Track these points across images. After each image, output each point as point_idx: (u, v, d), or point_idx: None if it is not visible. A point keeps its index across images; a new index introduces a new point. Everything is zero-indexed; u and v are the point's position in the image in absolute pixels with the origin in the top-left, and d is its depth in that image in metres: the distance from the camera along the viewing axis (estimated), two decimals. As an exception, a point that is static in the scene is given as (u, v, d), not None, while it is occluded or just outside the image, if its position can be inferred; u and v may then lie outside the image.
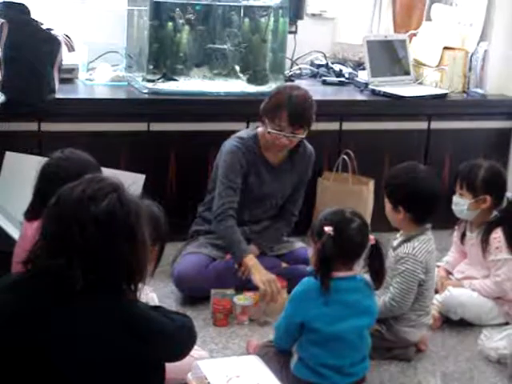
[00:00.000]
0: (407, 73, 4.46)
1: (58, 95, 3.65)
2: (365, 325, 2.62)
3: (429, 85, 4.43)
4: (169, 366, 2.03)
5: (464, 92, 4.43)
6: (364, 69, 4.42)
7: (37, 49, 3.52)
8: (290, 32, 4.32)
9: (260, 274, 3.22)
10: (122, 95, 3.92)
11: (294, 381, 2.60)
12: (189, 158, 3.84)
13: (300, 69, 4.61)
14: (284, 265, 3.47)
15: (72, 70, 3.99)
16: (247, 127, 3.74)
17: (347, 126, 4.11)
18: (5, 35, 3.49)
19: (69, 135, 3.59)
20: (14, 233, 3.10)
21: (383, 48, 4.42)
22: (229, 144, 3.41)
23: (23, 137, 3.59)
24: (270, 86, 3.98)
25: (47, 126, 3.64)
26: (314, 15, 4.77)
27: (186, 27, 4.00)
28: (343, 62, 4.73)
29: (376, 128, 4.14)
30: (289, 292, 3.02)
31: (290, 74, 4.46)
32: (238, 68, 4.13)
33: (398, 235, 3.00)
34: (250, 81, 4.11)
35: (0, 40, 3.50)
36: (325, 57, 4.71)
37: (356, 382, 2.62)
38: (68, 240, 1.80)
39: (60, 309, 1.81)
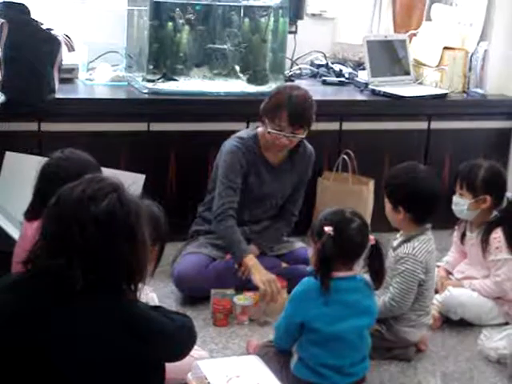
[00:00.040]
0: (407, 73, 4.46)
1: (58, 95, 3.65)
2: (365, 325, 2.62)
3: (429, 85, 4.43)
4: (169, 365, 2.03)
5: (464, 92, 4.43)
6: (364, 69, 4.42)
7: (37, 49, 3.52)
8: (290, 32, 4.32)
9: (260, 274, 3.22)
10: (122, 95, 3.92)
11: (294, 381, 2.60)
12: (189, 158, 3.84)
13: (300, 69, 4.61)
14: (284, 265, 3.47)
15: (72, 70, 3.99)
16: (247, 127, 3.74)
17: (347, 125, 4.11)
18: (5, 35, 3.49)
19: (69, 135, 3.59)
20: (14, 233, 3.10)
21: (383, 48, 4.42)
22: (229, 144, 3.41)
23: (23, 137, 3.59)
24: (270, 86, 3.98)
25: (47, 126, 3.64)
26: (314, 15, 4.77)
27: (186, 27, 4.00)
28: (343, 62, 4.73)
29: (376, 128, 4.14)
30: (289, 292, 3.02)
31: (290, 74, 4.46)
32: (238, 68, 4.13)
33: (398, 235, 3.00)
34: (249, 81, 4.11)
35: (0, 40, 3.50)
36: (325, 57, 4.71)
37: (356, 381, 2.62)
38: (68, 240, 1.81)
39: (60, 309, 1.81)
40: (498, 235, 3.24)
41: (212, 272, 3.34)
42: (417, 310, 2.93)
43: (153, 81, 3.92)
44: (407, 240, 2.92)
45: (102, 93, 3.95)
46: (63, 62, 3.73)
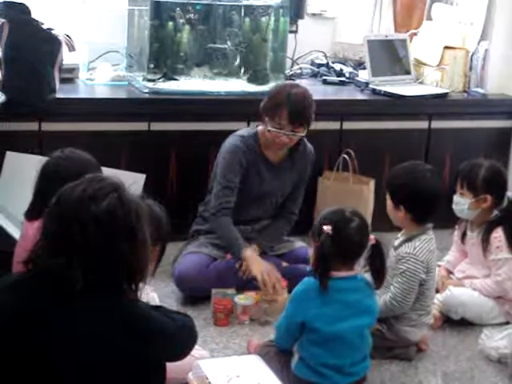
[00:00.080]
0: (408, 72, 4.45)
1: (59, 95, 3.66)
2: (365, 324, 2.62)
3: (429, 84, 4.43)
4: (170, 365, 2.03)
5: (465, 91, 4.42)
6: (364, 68, 4.42)
7: (37, 49, 3.52)
8: (291, 31, 4.32)
9: (258, 265, 3.24)
10: (122, 95, 3.92)
11: (294, 380, 2.60)
12: (189, 158, 3.84)
13: (300, 68, 4.61)
14: (285, 264, 3.47)
15: (72, 70, 3.99)
16: (248, 127, 3.74)
17: (348, 125, 4.11)
18: (5, 35, 3.49)
19: (69, 135, 3.59)
20: (15, 232, 3.10)
21: (384, 47, 4.42)
22: (229, 143, 3.41)
23: (24, 137, 3.59)
24: (270, 86, 3.97)
25: (48, 126, 3.64)
26: (314, 15, 4.77)
27: (187, 27, 4.01)
28: (344, 62, 4.73)
29: (376, 127, 4.14)
30: (289, 292, 3.02)
31: (290, 73, 4.46)
32: (238, 67, 4.13)
33: (399, 235, 3.00)
34: (250, 80, 4.11)
35: (0, 40, 3.50)
36: (325, 56, 4.71)
37: (357, 381, 2.62)
38: (68, 239, 1.81)
39: (60, 309, 1.81)
40: (498, 234, 3.24)
41: (213, 272, 3.34)
42: (418, 309, 2.93)
43: (153, 80, 3.92)
44: (408, 239, 2.92)
45: (102, 92, 3.96)
46: (64, 62, 3.73)
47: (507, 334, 3.01)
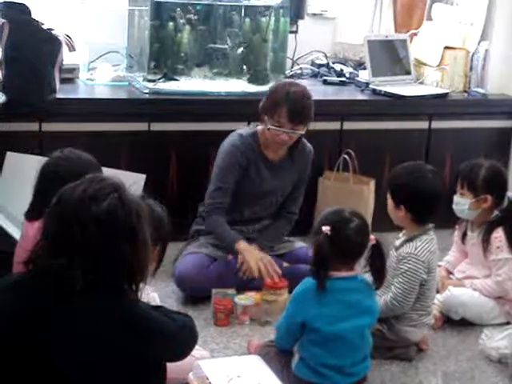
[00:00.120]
0: (408, 72, 4.46)
1: (59, 95, 3.66)
2: (366, 324, 2.62)
3: (430, 84, 4.43)
4: (170, 365, 2.04)
5: (465, 91, 4.43)
6: (365, 68, 4.43)
7: (37, 49, 3.52)
8: (291, 32, 4.32)
9: (253, 255, 3.26)
10: (122, 95, 3.93)
11: (295, 381, 2.60)
12: (189, 158, 3.84)
13: (301, 68, 4.61)
14: (285, 264, 3.47)
15: (73, 70, 3.99)
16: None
17: (348, 125, 4.11)
18: (5, 35, 3.49)
19: (70, 135, 3.59)
20: (15, 233, 3.10)
21: (384, 48, 4.42)
22: (227, 143, 3.41)
23: (24, 137, 3.59)
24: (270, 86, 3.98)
25: (48, 126, 3.64)
26: (314, 15, 4.78)
27: (187, 27, 4.01)
28: (344, 62, 4.74)
29: (377, 128, 4.14)
30: (290, 292, 3.02)
31: (290, 73, 4.46)
32: (238, 68, 4.13)
33: (400, 235, 3.00)
34: (250, 80, 4.11)
35: (1, 40, 3.51)
36: (326, 56, 4.72)
37: (357, 381, 2.62)
38: (69, 240, 1.81)
39: (60, 309, 1.81)
40: (499, 235, 3.24)
41: (213, 272, 3.34)
42: (418, 309, 2.93)
43: (153, 81, 3.92)
44: (409, 240, 2.92)
45: (102, 93, 3.96)
46: (64, 62, 3.73)
47: (507, 335, 3.00)
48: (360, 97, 4.26)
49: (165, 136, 3.83)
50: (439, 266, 3.36)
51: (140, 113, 3.78)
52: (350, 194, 3.86)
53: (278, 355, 2.68)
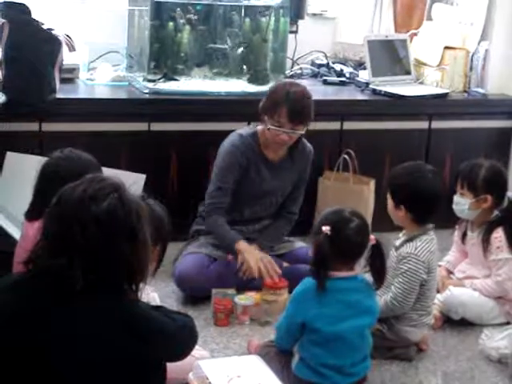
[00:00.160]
0: (408, 72, 4.46)
1: (59, 95, 3.66)
2: (366, 324, 2.62)
3: (430, 84, 4.43)
4: (170, 365, 2.04)
5: (465, 91, 4.43)
6: (365, 68, 4.43)
7: (37, 49, 3.52)
8: (291, 32, 4.32)
9: (252, 255, 3.26)
10: (122, 95, 3.93)
11: (295, 381, 2.60)
12: (189, 158, 3.84)
13: (301, 68, 4.61)
14: (285, 264, 3.47)
15: (73, 70, 3.99)
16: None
17: (348, 125, 4.11)
18: (5, 35, 3.49)
19: (70, 135, 3.59)
20: (15, 233, 3.10)
21: (384, 48, 4.42)
22: (227, 143, 3.41)
23: (24, 137, 3.59)
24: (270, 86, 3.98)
25: (48, 126, 3.64)
26: (314, 15, 4.78)
27: (187, 27, 4.01)
28: (344, 62, 4.74)
29: (377, 128, 4.14)
30: (290, 292, 3.02)
31: (290, 73, 4.46)
32: (238, 68, 4.13)
33: (400, 235, 3.00)
34: (250, 81, 4.11)
35: (1, 40, 3.51)
36: (326, 56, 4.72)
37: (357, 381, 2.62)
38: (69, 240, 1.81)
39: (60, 309, 1.81)
40: (499, 235, 3.24)
41: (213, 272, 3.34)
42: (418, 309, 2.93)
43: (153, 81, 3.92)
44: (410, 240, 2.92)
45: (102, 93, 3.96)
46: (64, 62, 3.73)
47: (507, 335, 3.00)
48: (360, 97, 4.26)
49: (165, 136, 3.83)
50: (439, 265, 3.36)
51: (140, 113, 3.78)
52: (350, 194, 3.86)
53: (278, 355, 2.68)
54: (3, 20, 3.51)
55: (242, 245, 3.32)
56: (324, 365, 2.54)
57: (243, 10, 4.11)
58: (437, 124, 4.25)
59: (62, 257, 1.80)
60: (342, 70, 4.57)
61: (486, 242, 3.26)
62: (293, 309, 2.60)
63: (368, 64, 4.31)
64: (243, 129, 3.52)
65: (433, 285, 2.96)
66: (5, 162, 3.47)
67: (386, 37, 4.55)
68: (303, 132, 3.35)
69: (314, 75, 4.58)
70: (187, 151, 3.84)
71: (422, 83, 4.45)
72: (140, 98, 3.85)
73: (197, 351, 2.47)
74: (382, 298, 2.88)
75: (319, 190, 4.01)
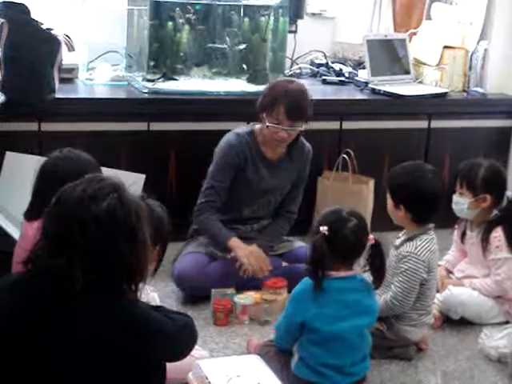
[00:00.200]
0: (407, 72, 4.46)
1: (58, 95, 3.66)
2: (365, 324, 2.62)
3: (429, 84, 4.43)
4: (169, 365, 2.04)
5: (464, 91, 4.43)
6: (364, 68, 4.43)
7: (37, 49, 3.52)
8: (290, 31, 4.32)
9: (243, 251, 3.28)
10: (122, 95, 3.92)
11: (294, 380, 2.60)
12: (189, 158, 3.84)
13: (300, 68, 4.61)
14: (284, 264, 3.47)
15: (72, 70, 3.99)
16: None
17: (347, 125, 4.11)
18: (5, 35, 3.49)
19: (69, 135, 3.59)
20: (15, 233, 3.10)
21: (383, 47, 4.42)
22: (224, 142, 3.42)
23: (23, 137, 3.59)
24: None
25: (47, 126, 3.64)
26: (314, 14, 4.78)
27: (186, 27, 4.01)
28: (343, 62, 4.74)
29: (376, 127, 4.15)
30: (289, 291, 3.02)
31: (290, 73, 4.46)
32: (237, 67, 4.13)
33: (400, 234, 3.00)
34: (250, 80, 4.11)
35: (0, 40, 3.50)
36: (325, 56, 4.72)
37: (357, 381, 2.62)
38: (69, 240, 1.81)
39: (60, 309, 1.81)
40: (498, 234, 3.24)
41: (212, 271, 3.34)
42: (418, 309, 2.93)
43: (153, 80, 3.92)
44: (410, 239, 2.92)
45: (102, 92, 3.96)
46: (63, 62, 3.73)
47: (507, 334, 3.01)
48: (359, 96, 4.26)
49: (164, 136, 3.83)
50: (439, 265, 3.36)
51: (139, 112, 3.78)
52: (350, 193, 3.86)
53: (277, 355, 2.68)
54: (2, 20, 3.50)
55: (234, 242, 3.33)
56: (324, 364, 2.55)
57: (242, 10, 4.10)
58: (436, 123, 4.25)
59: (61, 257, 1.80)
60: (341, 70, 4.57)
61: (485, 241, 3.26)
62: (292, 308, 2.61)
63: (367, 63, 4.31)
64: (240, 128, 3.52)
65: (433, 284, 2.96)
66: (4, 162, 3.47)
67: (385, 36, 4.55)
68: (302, 129, 3.35)
69: (314, 75, 4.59)
70: (187, 151, 3.84)
71: (421, 83, 4.45)
72: (139, 98, 3.85)
73: (196, 351, 2.47)
74: (382, 297, 2.88)
75: (318, 189, 4.01)
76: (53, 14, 3.99)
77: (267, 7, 4.09)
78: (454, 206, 3.34)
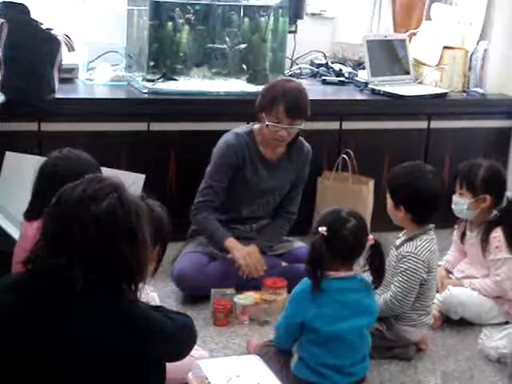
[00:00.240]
0: (407, 72, 4.46)
1: (58, 95, 3.66)
2: (365, 324, 2.62)
3: (429, 84, 4.44)
4: (169, 365, 2.04)
5: (464, 91, 4.43)
6: (364, 68, 4.43)
7: (37, 49, 3.52)
8: (290, 31, 4.33)
9: (239, 251, 3.29)
10: (121, 95, 3.92)
11: (294, 380, 2.60)
12: (189, 158, 3.84)
13: (300, 68, 4.61)
14: (284, 264, 3.47)
15: (72, 70, 3.99)
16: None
17: (347, 125, 4.11)
18: (5, 35, 3.49)
19: (69, 135, 3.59)
20: (14, 233, 3.10)
21: (383, 47, 4.42)
22: (222, 142, 3.42)
23: (23, 137, 3.59)
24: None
25: (47, 126, 3.64)
26: (313, 15, 4.78)
27: (186, 27, 4.01)
28: (343, 62, 4.74)
29: (376, 127, 4.15)
30: (289, 292, 3.02)
31: (289, 73, 4.46)
32: (237, 67, 4.13)
33: (400, 234, 3.00)
34: (249, 80, 4.11)
35: (0, 40, 3.50)
36: (325, 56, 4.72)
37: (356, 381, 2.62)
38: (68, 240, 1.81)
39: (60, 309, 1.81)
40: (497, 234, 3.24)
41: (212, 271, 3.34)
42: (418, 309, 2.93)
43: (153, 80, 3.92)
44: (410, 239, 2.92)
45: (101, 93, 3.96)
46: (63, 62, 3.73)
47: (506, 334, 3.01)
48: (359, 96, 4.27)
49: (164, 136, 3.83)
50: (438, 265, 3.36)
51: (139, 113, 3.78)
52: (349, 193, 3.86)
53: (277, 355, 2.68)
54: (2, 20, 3.51)
55: (230, 242, 3.33)
56: (323, 364, 2.55)
57: (242, 10, 4.11)
58: (436, 124, 4.25)
59: (61, 257, 1.80)
60: (340, 70, 4.57)
61: (484, 241, 3.26)
62: (291, 308, 2.61)
63: (367, 64, 4.31)
64: (239, 127, 3.52)
65: (432, 284, 2.96)
66: (4, 162, 3.47)
67: (385, 37, 4.55)
68: (301, 127, 3.35)
69: (313, 75, 4.59)
70: (186, 151, 3.84)
71: (420, 83, 4.45)
72: (139, 98, 3.85)
73: (196, 351, 2.47)
74: (382, 296, 2.88)
75: (318, 189, 4.01)
76: (53, 14, 3.99)
77: (267, 7, 4.09)
78: (453, 207, 3.34)
